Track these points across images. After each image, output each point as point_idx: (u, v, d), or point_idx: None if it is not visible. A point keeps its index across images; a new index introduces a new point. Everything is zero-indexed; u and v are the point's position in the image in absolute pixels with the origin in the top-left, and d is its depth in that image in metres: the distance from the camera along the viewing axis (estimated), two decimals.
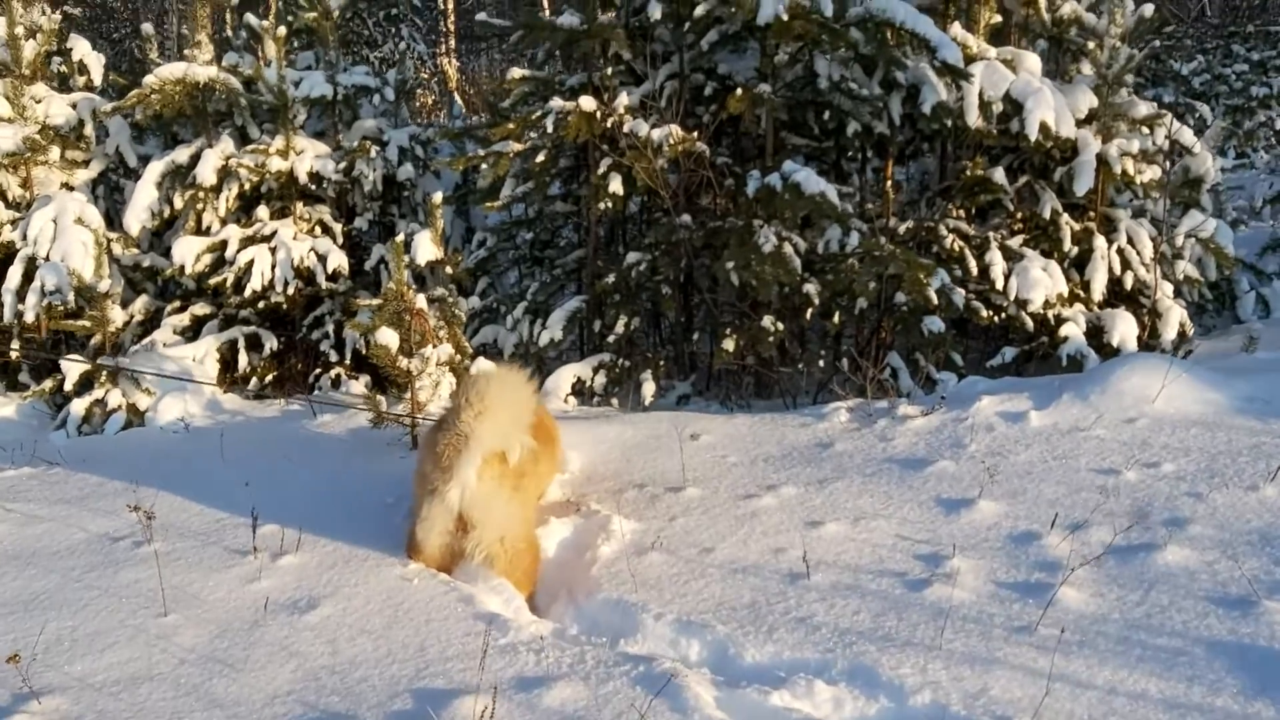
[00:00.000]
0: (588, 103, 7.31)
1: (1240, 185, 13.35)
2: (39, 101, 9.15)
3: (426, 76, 25.69)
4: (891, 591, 4.04)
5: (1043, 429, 5.59)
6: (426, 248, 7.31)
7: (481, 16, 8.06)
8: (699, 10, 7.21)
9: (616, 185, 7.32)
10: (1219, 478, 4.80)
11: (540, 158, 7.75)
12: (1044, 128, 7.18)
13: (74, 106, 9.34)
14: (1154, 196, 8.19)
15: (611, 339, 7.60)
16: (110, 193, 9.63)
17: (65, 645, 3.81)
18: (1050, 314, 7.61)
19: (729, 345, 7.08)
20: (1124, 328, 7.49)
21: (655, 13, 7.31)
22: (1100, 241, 7.89)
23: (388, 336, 6.03)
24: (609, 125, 7.40)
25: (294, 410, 7.68)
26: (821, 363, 6.95)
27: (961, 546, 4.38)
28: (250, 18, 9.69)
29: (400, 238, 6.26)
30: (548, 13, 13.46)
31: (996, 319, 7.71)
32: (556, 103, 7.45)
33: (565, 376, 7.41)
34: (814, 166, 8.48)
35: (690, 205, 7.78)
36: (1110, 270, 7.88)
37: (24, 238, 8.25)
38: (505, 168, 7.68)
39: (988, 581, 4.08)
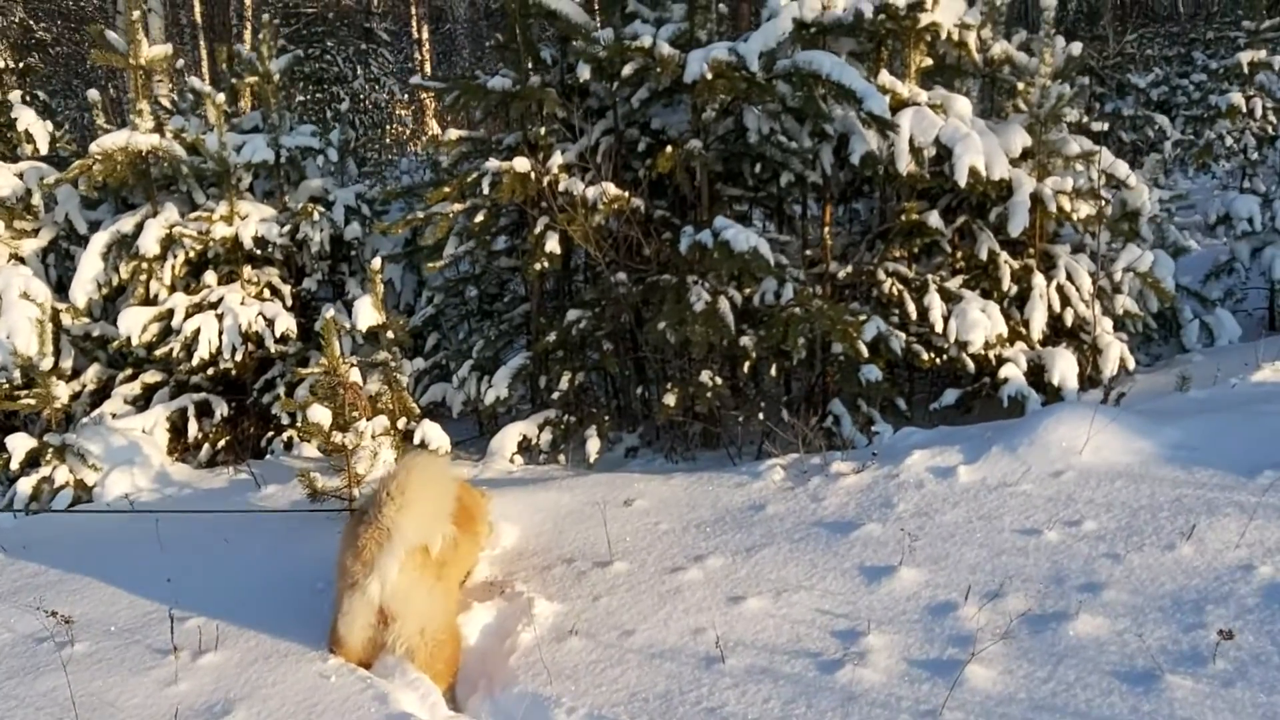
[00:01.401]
0: (521, 164, 7.36)
1: (1191, 205, 13.43)
2: None
3: (401, 109, 25.78)
4: (805, 674, 4.07)
5: (971, 485, 5.63)
6: (367, 313, 7.34)
7: (416, 79, 8.12)
8: (626, 70, 7.27)
9: (553, 244, 7.37)
10: (1137, 536, 4.84)
11: (480, 217, 7.79)
12: (973, 172, 7.24)
13: (20, 176, 9.37)
14: (1092, 231, 8.26)
15: (556, 395, 7.63)
16: (61, 260, 9.64)
17: None
18: (991, 354, 7.67)
19: (670, 400, 7.11)
20: (1064, 366, 7.54)
21: (584, 73, 7.37)
22: (1039, 279, 7.96)
23: (320, 414, 6.06)
24: (545, 185, 7.44)
25: (241, 480, 7.68)
26: (762, 415, 6.96)
27: (879, 620, 4.41)
28: (194, 81, 9.73)
29: (330, 313, 6.30)
30: None
31: (938, 361, 7.77)
32: (492, 163, 7.49)
33: (511, 435, 7.45)
34: (757, 212, 8.61)
35: (632, 258, 7.82)
36: (1050, 308, 7.95)
37: None
38: (445, 229, 7.72)
39: (900, 660, 4.11)
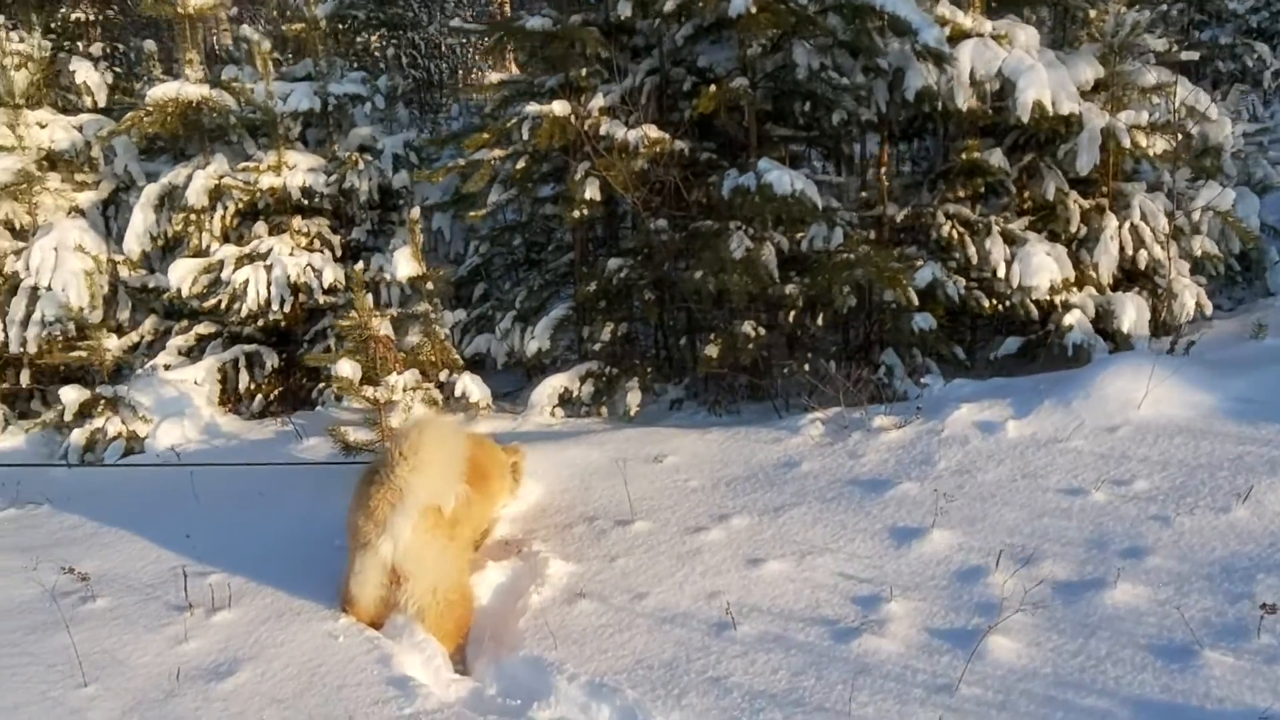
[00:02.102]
0: (560, 107, 7.13)
1: None
2: (43, 126, 9.26)
3: (477, 54, 25.53)
4: (818, 644, 3.86)
5: (1019, 441, 5.33)
6: (406, 264, 7.24)
7: (456, 22, 7.91)
8: (668, 6, 6.96)
9: (593, 191, 7.15)
10: (1191, 497, 4.51)
11: (521, 164, 7.60)
12: (1037, 106, 6.81)
13: (80, 129, 9.44)
14: (1169, 168, 7.75)
15: (598, 346, 7.46)
16: (120, 212, 9.70)
17: None
18: (1056, 300, 7.27)
19: (711, 352, 6.89)
20: (1133, 311, 7.12)
21: (625, 9, 7.10)
22: (1110, 220, 7.51)
23: (348, 368, 5.98)
24: (584, 129, 7.20)
25: (287, 431, 7.69)
26: (808, 366, 6.70)
27: (903, 586, 4.18)
28: (245, 29, 9.67)
29: (359, 265, 6.19)
30: None
31: (1000, 308, 7.40)
32: (531, 107, 7.28)
33: (550, 387, 7.31)
34: (814, 153, 8.26)
35: (676, 204, 7.56)
36: (1121, 250, 7.50)
37: (27, 268, 8.37)
38: (486, 176, 7.54)
39: (920, 629, 3.88)
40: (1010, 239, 7.33)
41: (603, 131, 7.18)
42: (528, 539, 5.00)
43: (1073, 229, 7.52)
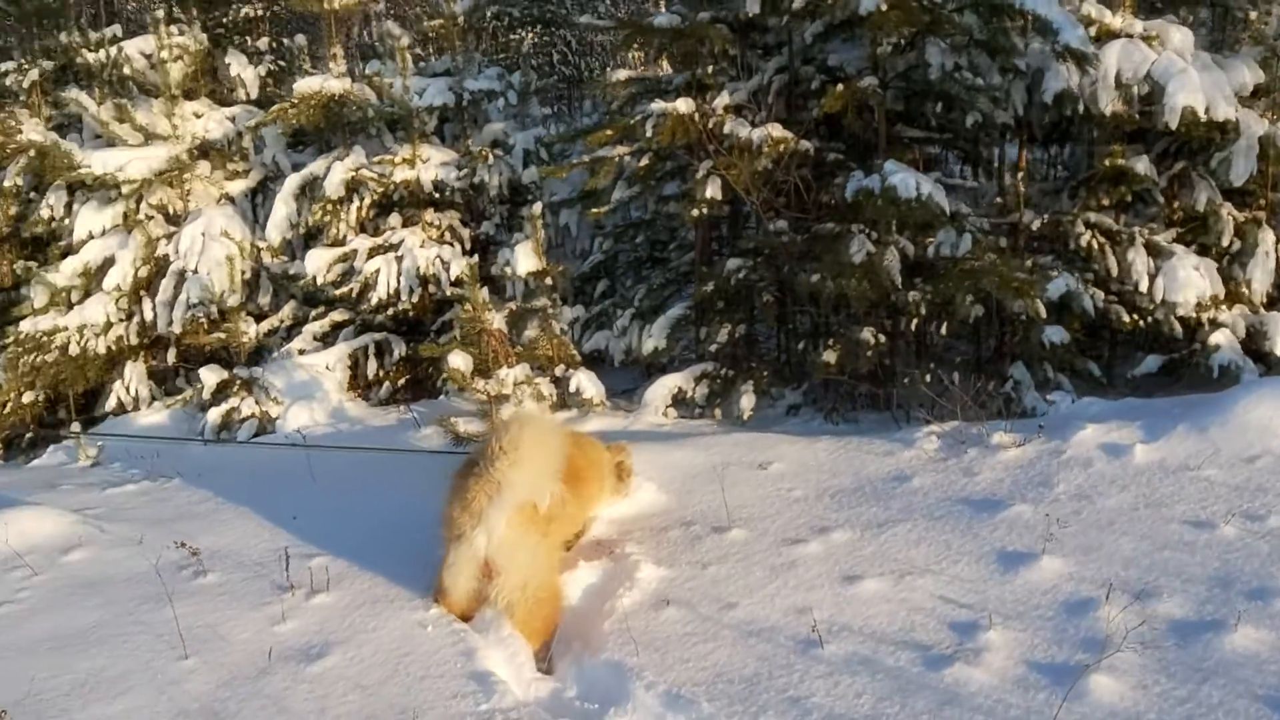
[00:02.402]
0: (683, 105, 7.07)
1: None
2: (199, 116, 9.70)
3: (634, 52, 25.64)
4: (908, 669, 3.70)
5: (1146, 466, 5.02)
6: (527, 259, 7.30)
7: (586, 18, 7.92)
8: (797, 4, 6.82)
9: (714, 190, 7.06)
10: None
11: (644, 161, 7.57)
12: (1187, 112, 6.41)
13: (232, 120, 9.86)
14: None
15: (714, 348, 7.37)
16: (266, 201, 10.08)
17: (87, 688, 3.99)
18: (1203, 317, 6.86)
19: (829, 357, 6.72)
20: None
21: (753, 6, 6.98)
22: (1266, 234, 7.04)
23: (459, 360, 6.05)
24: (708, 127, 7.12)
25: (408, 419, 7.85)
26: (930, 377, 6.47)
27: (1005, 614, 3.97)
28: (389, 25, 9.92)
29: (474, 259, 6.26)
30: None
31: (1140, 323, 7.01)
32: (655, 105, 7.24)
33: (664, 387, 7.26)
34: (950, 156, 8.00)
35: (800, 206, 7.41)
36: (1278, 266, 7.01)
37: (176, 252, 8.78)
38: (609, 173, 7.54)
39: (1019, 661, 3.68)
40: (1155, 251, 6.94)
41: (726, 130, 7.09)
42: (622, 540, 4.96)
43: (1225, 242, 7.08)
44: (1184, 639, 3.67)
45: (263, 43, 10.98)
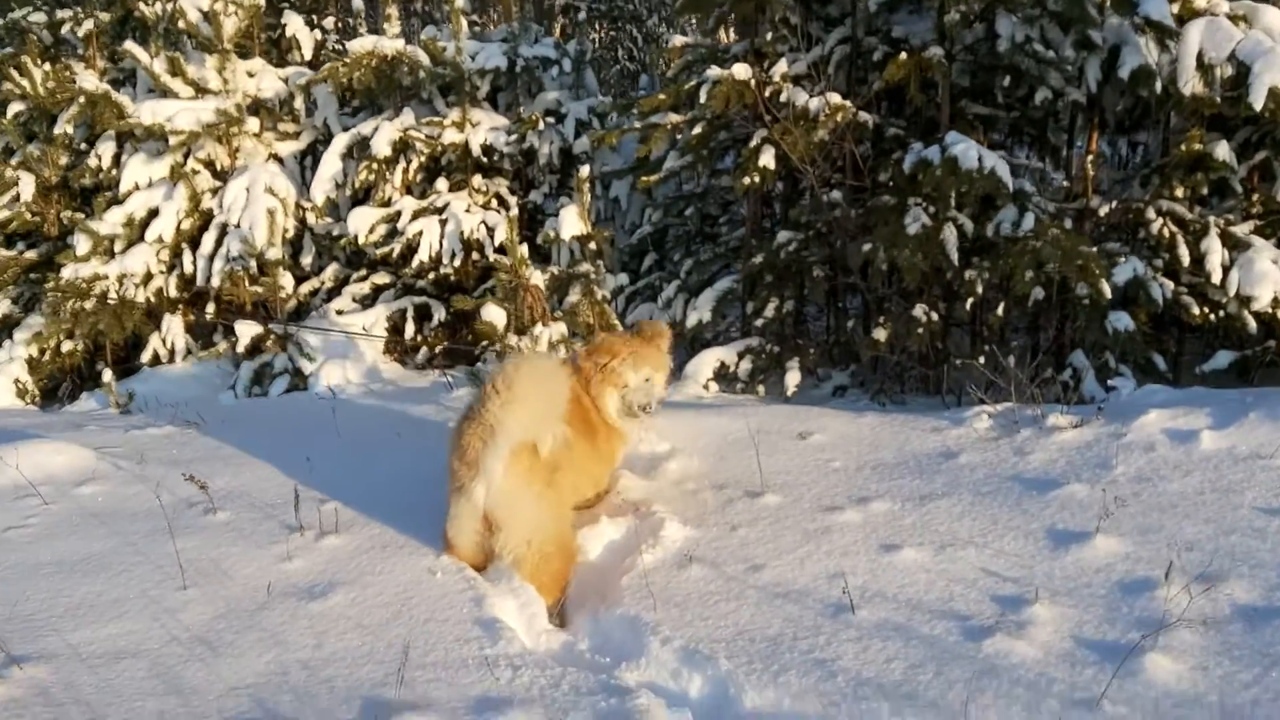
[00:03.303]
0: (741, 70, 6.83)
1: None
2: (252, 75, 9.63)
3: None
4: (944, 638, 3.42)
5: (1214, 453, 4.68)
6: (572, 222, 7.08)
7: None
8: None
9: (767, 159, 6.81)
10: None
11: (698, 129, 7.33)
12: (1273, 94, 6.04)
13: (285, 81, 9.78)
14: None
15: (760, 323, 7.11)
16: (315, 164, 9.99)
17: (82, 611, 3.84)
18: None
19: (879, 335, 6.44)
20: None
21: None
22: None
23: (494, 313, 5.86)
24: (767, 94, 6.87)
25: (442, 382, 7.68)
26: (983, 360, 6.15)
27: (1054, 590, 3.67)
28: None
29: (514, 211, 6.06)
30: None
31: (1212, 317, 6.64)
32: (713, 71, 7.00)
33: (707, 360, 7.01)
34: (1014, 144, 7.68)
35: (856, 182, 7.13)
36: None
37: (221, 206, 8.70)
38: (661, 140, 7.32)
39: (1066, 637, 3.38)
40: (1232, 242, 6.57)
41: (783, 98, 6.83)
42: (649, 500, 4.71)
43: None
44: (1251, 623, 3.35)
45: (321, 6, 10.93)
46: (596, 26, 21.87)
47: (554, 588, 4.05)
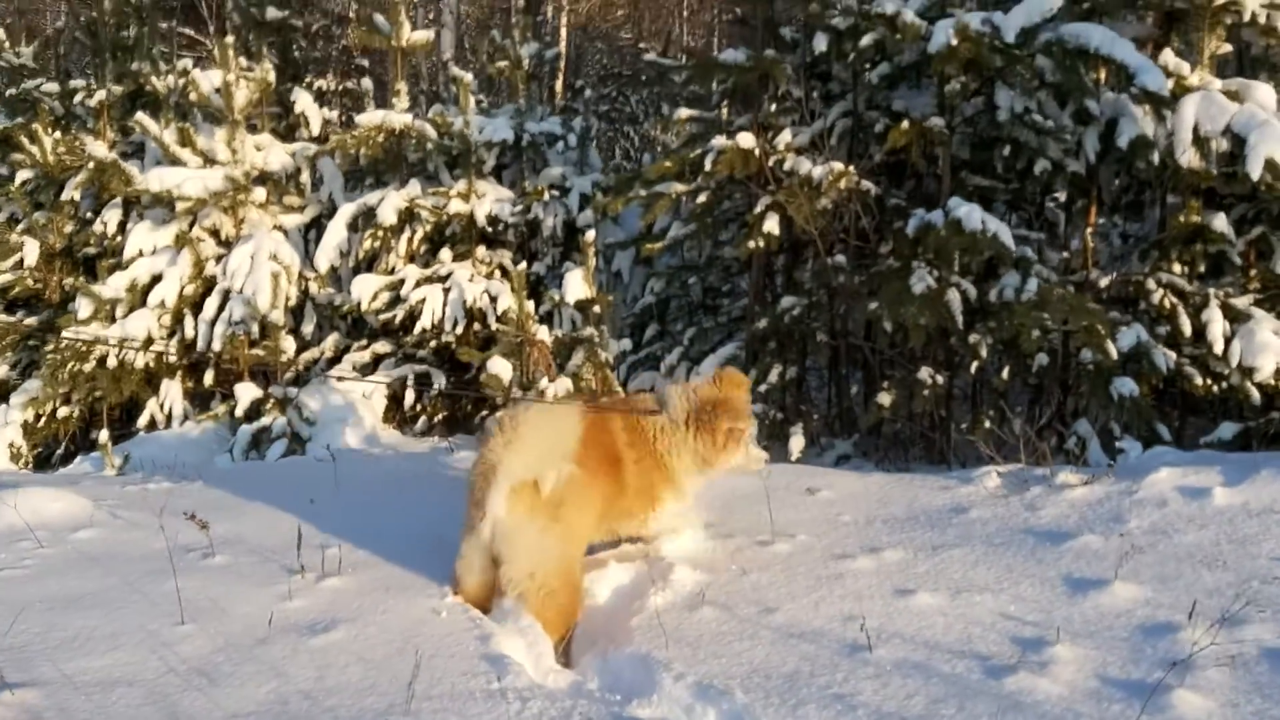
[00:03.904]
0: (745, 139, 6.95)
1: None
2: (260, 149, 9.76)
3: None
4: (965, 676, 3.34)
5: (1227, 508, 4.63)
6: (577, 286, 7.12)
7: (650, 56, 7.88)
8: (865, 40, 6.72)
9: (772, 224, 6.88)
10: None
11: (702, 198, 7.42)
12: (1271, 165, 6.15)
13: (292, 156, 9.91)
14: None
15: (763, 389, 7.09)
16: (319, 237, 10.07)
17: (77, 643, 3.74)
18: None
19: (884, 400, 6.42)
20: None
21: (820, 44, 6.89)
22: None
23: (499, 366, 5.84)
24: (770, 163, 6.98)
25: (442, 447, 7.62)
26: (988, 423, 6.14)
27: (1075, 633, 3.60)
28: (453, 68, 9.99)
29: (522, 266, 6.09)
30: None
31: (1215, 389, 6.65)
32: (718, 141, 7.12)
33: None
34: (1015, 218, 7.78)
35: (860, 252, 7.20)
36: None
37: (224, 272, 8.73)
38: (663, 208, 7.40)
39: (1090, 676, 3.30)
40: (1232, 313, 6.62)
41: (787, 167, 6.94)
42: (657, 544, 4.64)
43: None
44: (1278, 664, 3.28)
45: (329, 83, 11.14)
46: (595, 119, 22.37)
47: (559, 624, 3.97)
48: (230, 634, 3.82)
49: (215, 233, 9.25)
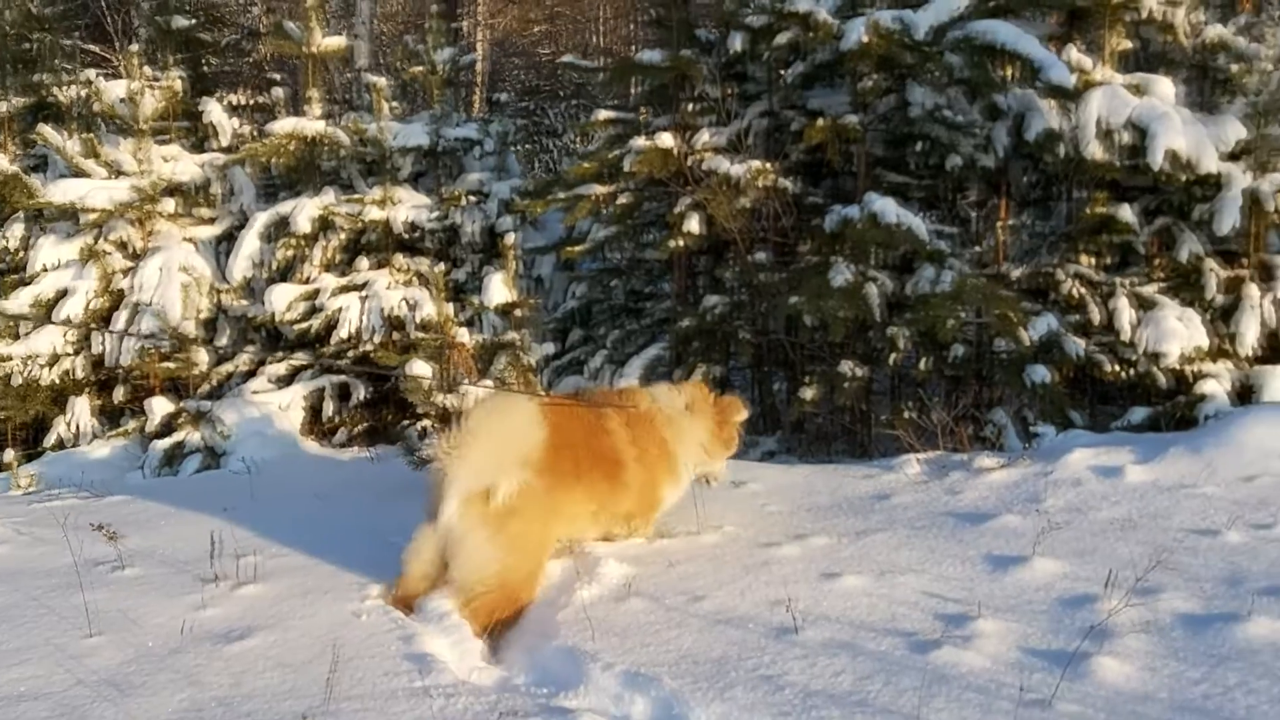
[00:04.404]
0: (665, 139, 6.97)
1: None
2: (169, 161, 9.53)
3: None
4: (891, 653, 3.36)
5: (1139, 485, 4.76)
6: (498, 289, 7.07)
7: (568, 57, 7.86)
8: (780, 39, 6.78)
9: (693, 225, 6.90)
10: None
11: (623, 200, 7.41)
12: (1171, 156, 6.33)
13: (203, 166, 9.69)
14: None
15: None
16: (232, 249, 9.85)
17: None
18: (1189, 370, 6.65)
19: (807, 394, 6.46)
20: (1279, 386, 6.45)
21: (736, 43, 6.94)
22: (1252, 289, 6.87)
23: (420, 368, 5.76)
24: (689, 163, 7.00)
25: (363, 457, 7.50)
26: (909, 413, 6.22)
27: (997, 607, 3.64)
28: (367, 75, 9.87)
29: (441, 267, 6.02)
30: None
31: (1124, 375, 6.80)
32: (638, 141, 7.13)
33: None
34: (926, 211, 7.89)
35: (780, 250, 7.25)
36: (1265, 323, 6.84)
37: (134, 285, 8.50)
38: (585, 210, 7.38)
39: (1013, 647, 3.34)
40: (1140, 301, 6.78)
41: (706, 167, 6.97)
42: (583, 540, 4.60)
43: (1208, 296, 6.92)
44: (1194, 629, 3.36)
45: (242, 97, 10.92)
46: (519, 142, 22.38)
47: (489, 622, 3.92)
48: (142, 645, 3.70)
49: (124, 245, 9.01)
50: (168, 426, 7.77)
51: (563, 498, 4.26)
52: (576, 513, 4.43)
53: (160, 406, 7.81)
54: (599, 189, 7.43)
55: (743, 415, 4.79)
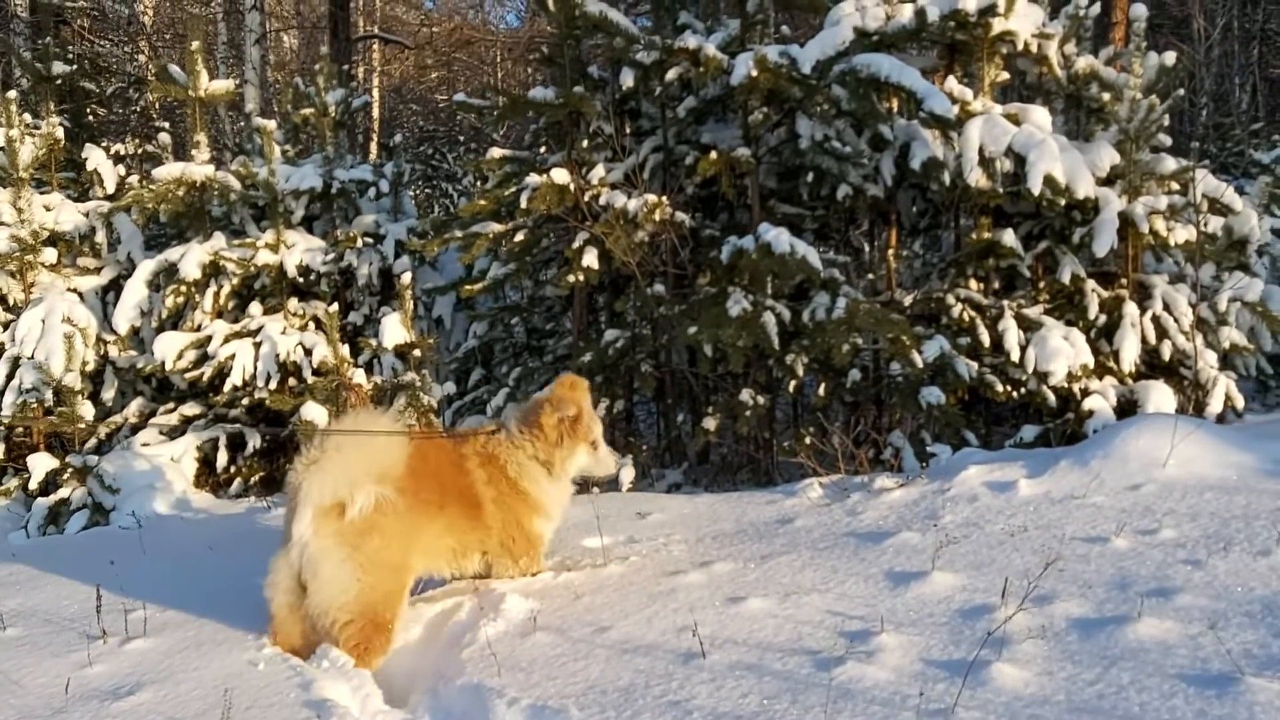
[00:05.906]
0: (560, 175, 6.98)
1: None
2: (50, 209, 9.22)
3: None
4: (796, 672, 3.36)
5: (1032, 498, 4.88)
6: (395, 330, 6.97)
7: (460, 96, 7.83)
8: (670, 74, 6.88)
9: (591, 259, 6.92)
10: (1225, 543, 4.04)
11: (520, 237, 7.40)
12: (1049, 181, 6.56)
13: (86, 215, 9.40)
14: (1191, 258, 7.44)
15: None
16: (118, 299, 9.55)
17: None
18: (1075, 387, 6.87)
19: (709, 424, 6.50)
20: (1159, 399, 6.70)
21: (628, 80, 7.01)
22: (1130, 308, 7.15)
23: (314, 411, 5.64)
24: (585, 199, 7.03)
25: (259, 507, 7.29)
26: (809, 439, 6.29)
27: (898, 622, 3.68)
28: (256, 119, 9.72)
29: (335, 308, 5.92)
30: None
31: (1014, 394, 6.99)
32: (533, 178, 7.13)
33: None
34: (819, 243, 8.04)
35: (678, 283, 7.31)
36: (1144, 340, 7.12)
37: (13, 339, 8.17)
38: (481, 248, 7.34)
39: (915, 660, 3.37)
40: (1025, 323, 6.99)
41: (602, 202, 7.00)
42: (486, 578, 4.54)
43: (1090, 316, 7.17)
44: (1087, 632, 3.44)
45: (128, 146, 10.67)
46: (417, 186, 22.26)
47: (368, 656, 3.85)
48: (24, 706, 3.52)
49: (2, 298, 8.67)
50: (51, 483, 7.46)
51: (424, 524, 4.16)
52: (437, 546, 4.31)
53: (42, 463, 7.49)
54: (495, 227, 7.41)
55: (567, 411, 4.43)
